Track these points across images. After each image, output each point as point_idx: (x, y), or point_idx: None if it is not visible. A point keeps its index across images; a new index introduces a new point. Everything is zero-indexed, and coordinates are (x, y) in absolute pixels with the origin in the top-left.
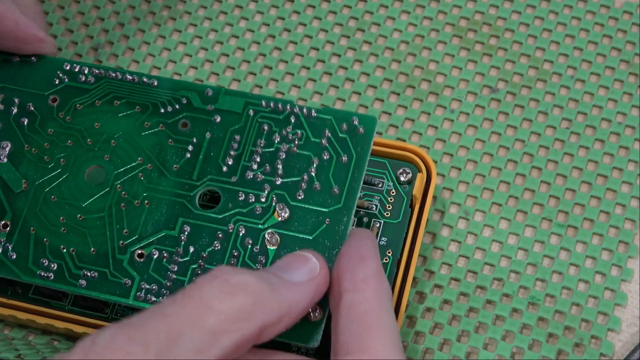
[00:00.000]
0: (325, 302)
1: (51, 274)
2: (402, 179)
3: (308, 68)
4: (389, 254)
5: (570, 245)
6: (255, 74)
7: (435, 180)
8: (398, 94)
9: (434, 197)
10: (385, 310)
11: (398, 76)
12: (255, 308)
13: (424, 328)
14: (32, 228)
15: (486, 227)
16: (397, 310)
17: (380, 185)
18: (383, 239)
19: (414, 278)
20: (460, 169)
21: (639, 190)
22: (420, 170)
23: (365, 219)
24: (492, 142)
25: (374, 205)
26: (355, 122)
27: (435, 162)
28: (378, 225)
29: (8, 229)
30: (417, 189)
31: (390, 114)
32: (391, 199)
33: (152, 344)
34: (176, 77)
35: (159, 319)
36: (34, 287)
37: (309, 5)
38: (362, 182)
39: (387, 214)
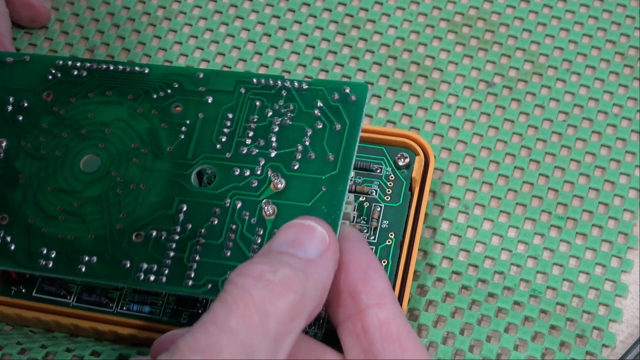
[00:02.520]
0: None
1: (50, 262)
2: (400, 163)
3: (305, 66)
4: (392, 236)
5: (569, 237)
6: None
7: (433, 162)
8: (395, 90)
9: (433, 192)
10: (409, 325)
11: (394, 72)
12: (302, 302)
13: (427, 321)
14: (29, 219)
15: (486, 220)
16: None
17: (378, 171)
18: (385, 222)
19: (415, 272)
20: (458, 163)
21: (637, 181)
22: (417, 154)
23: (366, 204)
24: (489, 136)
25: (373, 191)
26: (347, 91)
27: (435, 157)
28: (379, 209)
29: (6, 221)
30: (417, 171)
31: (387, 109)
32: (390, 184)
33: None
34: None
35: (231, 336)
36: (37, 286)
37: (303, 3)
38: (356, 148)
39: (387, 198)
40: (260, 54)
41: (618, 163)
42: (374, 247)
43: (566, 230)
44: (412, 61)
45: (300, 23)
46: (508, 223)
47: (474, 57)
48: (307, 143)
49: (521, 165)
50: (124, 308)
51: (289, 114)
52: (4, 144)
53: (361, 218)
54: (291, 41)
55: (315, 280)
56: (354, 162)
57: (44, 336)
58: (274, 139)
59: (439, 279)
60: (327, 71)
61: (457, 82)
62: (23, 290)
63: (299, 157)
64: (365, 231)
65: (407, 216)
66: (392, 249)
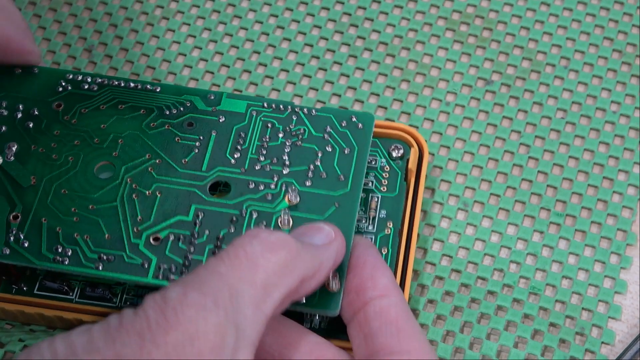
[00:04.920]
0: (342, 273)
1: (66, 259)
2: (394, 154)
3: (303, 64)
4: (390, 226)
5: (569, 234)
6: (250, 72)
7: (427, 152)
8: (393, 88)
9: (432, 190)
10: (411, 314)
11: (393, 70)
12: (295, 261)
13: (427, 320)
14: (43, 218)
15: (485, 217)
16: None
17: (374, 163)
18: (382, 211)
19: (415, 270)
20: (457, 161)
21: (635, 178)
22: (412, 146)
23: (362, 195)
24: (488, 134)
25: (370, 182)
26: (354, 119)
27: (433, 154)
28: (376, 199)
29: (19, 219)
30: (412, 162)
31: (386, 108)
32: (386, 175)
33: (219, 299)
34: (171, 76)
35: (217, 278)
36: (39, 283)
37: (301, 2)
38: (365, 170)
39: (384, 188)
40: (259, 52)
41: (617, 160)
42: (373, 236)
43: (565, 227)
44: (410, 59)
45: (299, 22)
46: (507, 220)
47: (472, 55)
48: (319, 163)
49: (520, 163)
50: (128, 303)
51: (300, 136)
52: (14, 148)
53: (359, 208)
54: (289, 40)
55: (314, 253)
56: (363, 182)
57: (46, 333)
58: (286, 157)
59: (439, 277)
60: (325, 70)
61: (456, 80)
62: (24, 288)
63: (311, 175)
64: (363, 221)
65: (405, 205)
66: (391, 238)
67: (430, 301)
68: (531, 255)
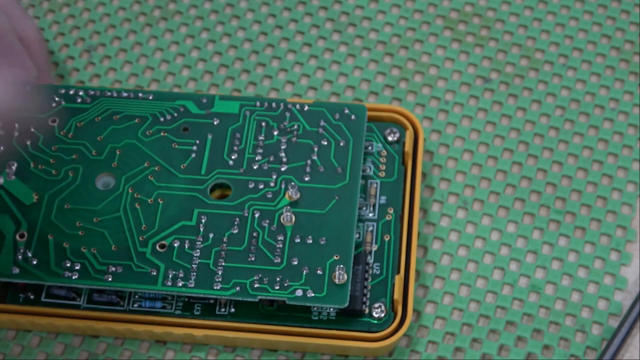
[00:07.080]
0: (348, 265)
1: (76, 274)
2: (390, 139)
3: (302, 64)
4: (391, 212)
5: (569, 231)
6: (249, 72)
7: (422, 134)
8: (392, 87)
9: (432, 188)
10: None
11: (391, 69)
12: None
13: (428, 322)
14: (49, 235)
15: (485, 215)
16: (406, 300)
17: (370, 148)
18: (382, 197)
19: (417, 271)
20: (457, 159)
21: (635, 175)
22: (407, 129)
23: (361, 182)
24: (487, 132)
25: (367, 167)
26: (347, 111)
27: (432, 153)
28: (375, 185)
29: (25, 238)
30: (409, 145)
31: None
32: (383, 159)
33: None
34: (170, 77)
35: None
36: (45, 291)
37: (300, 2)
38: (362, 160)
39: (382, 174)
40: (258, 52)
41: (616, 157)
42: (375, 223)
43: (565, 225)
44: (408, 58)
45: (297, 21)
46: (507, 218)
47: (470, 53)
48: (315, 157)
49: (519, 161)
50: (136, 305)
51: (295, 132)
52: (14, 167)
53: (359, 195)
54: (288, 39)
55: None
56: (361, 172)
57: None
58: (283, 154)
59: (439, 277)
60: (324, 69)
61: (454, 79)
62: (32, 297)
63: (309, 170)
64: (364, 209)
65: (404, 190)
66: (392, 224)
67: (430, 301)
68: (531, 253)
